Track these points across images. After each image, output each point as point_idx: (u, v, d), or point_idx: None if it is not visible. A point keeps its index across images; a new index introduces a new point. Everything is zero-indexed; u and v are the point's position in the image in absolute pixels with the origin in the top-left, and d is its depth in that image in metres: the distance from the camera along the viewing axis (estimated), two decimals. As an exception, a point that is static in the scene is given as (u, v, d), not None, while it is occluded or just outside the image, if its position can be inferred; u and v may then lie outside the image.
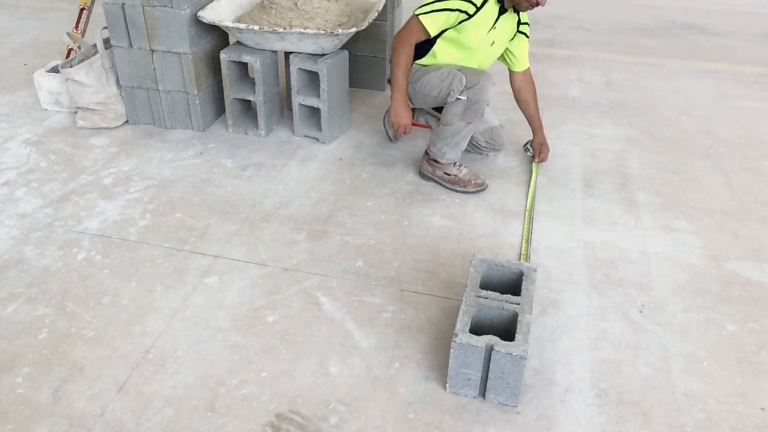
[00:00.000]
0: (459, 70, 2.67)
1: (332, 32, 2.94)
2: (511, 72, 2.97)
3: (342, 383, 1.94)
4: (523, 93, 2.99)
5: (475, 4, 2.61)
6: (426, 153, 2.88)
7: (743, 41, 4.84)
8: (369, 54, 3.71)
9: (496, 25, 2.69)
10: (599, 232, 2.63)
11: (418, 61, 2.80)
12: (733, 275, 2.42)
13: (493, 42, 2.75)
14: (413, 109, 2.95)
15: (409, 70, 2.74)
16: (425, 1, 2.67)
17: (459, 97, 2.63)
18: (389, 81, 2.83)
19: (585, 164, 3.12)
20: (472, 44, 2.71)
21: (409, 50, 2.69)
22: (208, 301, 2.23)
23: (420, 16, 2.64)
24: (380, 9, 3.26)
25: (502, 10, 2.68)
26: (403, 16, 4.11)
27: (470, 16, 2.61)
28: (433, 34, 2.67)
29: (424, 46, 2.75)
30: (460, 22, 2.63)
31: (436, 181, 2.88)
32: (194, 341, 2.07)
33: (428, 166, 2.88)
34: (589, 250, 2.53)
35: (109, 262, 2.41)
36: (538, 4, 2.57)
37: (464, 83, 2.62)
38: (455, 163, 2.83)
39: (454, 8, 2.60)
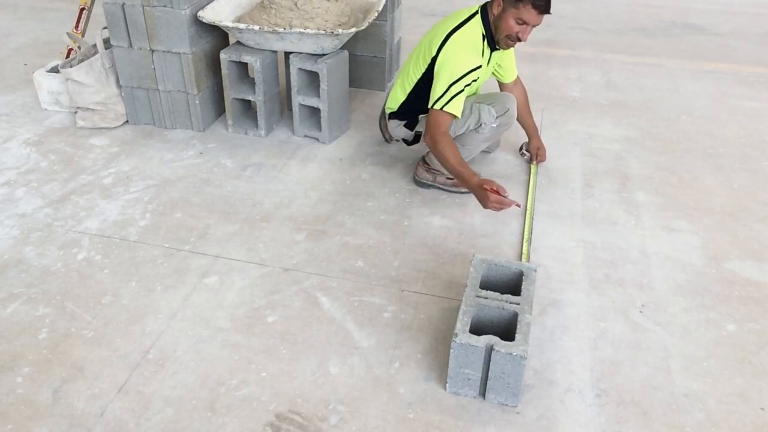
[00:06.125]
0: (480, 101, 2.65)
1: (332, 32, 2.94)
2: (501, 84, 2.96)
3: (342, 383, 1.94)
4: (516, 101, 2.97)
5: (481, 62, 2.56)
6: (424, 162, 2.86)
7: (743, 41, 4.84)
8: (369, 54, 3.70)
9: (490, 61, 2.69)
10: (599, 232, 2.63)
11: (424, 116, 2.72)
12: (733, 275, 2.42)
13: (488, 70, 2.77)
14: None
15: (460, 155, 2.52)
16: (436, 90, 2.50)
17: (492, 125, 2.63)
18: (460, 185, 2.61)
19: (585, 164, 3.12)
20: (478, 85, 2.72)
21: (449, 140, 2.52)
22: (208, 301, 2.23)
23: (444, 108, 2.49)
24: (380, 9, 3.26)
25: (494, 48, 2.65)
26: (403, 16, 4.12)
27: (480, 68, 2.59)
28: (461, 113, 2.56)
29: (423, 105, 2.63)
30: (474, 80, 2.58)
31: (437, 188, 2.87)
32: (194, 341, 2.07)
33: (428, 175, 2.86)
34: (589, 250, 2.53)
35: (109, 262, 2.41)
36: (519, 40, 2.51)
37: (495, 114, 2.62)
38: None
39: (470, 80, 2.51)
